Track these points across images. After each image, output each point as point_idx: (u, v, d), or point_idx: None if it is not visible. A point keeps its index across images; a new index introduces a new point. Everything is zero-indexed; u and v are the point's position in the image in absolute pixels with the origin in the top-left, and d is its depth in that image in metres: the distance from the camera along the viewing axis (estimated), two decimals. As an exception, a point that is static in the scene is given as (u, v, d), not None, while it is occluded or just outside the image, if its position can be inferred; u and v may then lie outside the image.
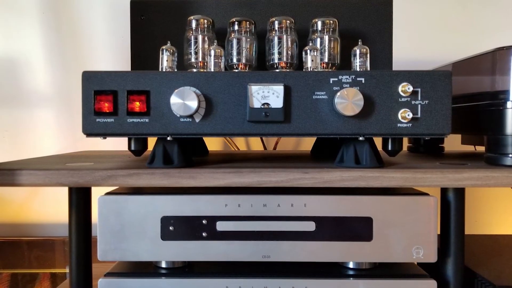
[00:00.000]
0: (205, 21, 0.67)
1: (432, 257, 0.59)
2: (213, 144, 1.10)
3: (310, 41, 0.68)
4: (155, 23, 0.76)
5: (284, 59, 0.65)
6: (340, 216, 0.59)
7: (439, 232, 0.61)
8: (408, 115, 0.55)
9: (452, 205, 0.60)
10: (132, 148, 0.59)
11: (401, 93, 0.55)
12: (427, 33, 1.10)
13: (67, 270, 1.06)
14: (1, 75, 1.09)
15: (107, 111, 0.55)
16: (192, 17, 0.67)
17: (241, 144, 1.11)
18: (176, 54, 0.63)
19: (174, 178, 0.55)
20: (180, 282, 0.60)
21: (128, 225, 0.59)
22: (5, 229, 1.09)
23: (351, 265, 0.64)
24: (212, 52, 0.61)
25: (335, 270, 0.63)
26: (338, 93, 0.54)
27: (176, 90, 0.55)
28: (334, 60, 0.68)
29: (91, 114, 0.55)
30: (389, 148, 0.59)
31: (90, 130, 0.56)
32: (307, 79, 0.56)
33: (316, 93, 0.55)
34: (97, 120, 0.55)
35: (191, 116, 0.55)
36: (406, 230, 0.59)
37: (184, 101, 0.54)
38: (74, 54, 1.09)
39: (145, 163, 0.59)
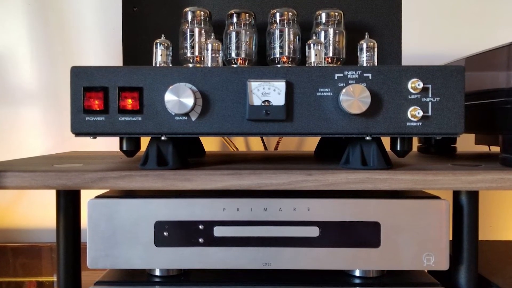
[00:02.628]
0: (202, 13, 0.67)
1: (444, 265, 0.59)
2: (210, 144, 1.10)
3: (314, 35, 0.68)
4: (148, 15, 0.76)
5: (286, 53, 0.65)
6: (346, 221, 0.59)
7: (451, 238, 0.61)
8: (418, 113, 0.55)
9: (465, 209, 0.60)
10: (124, 148, 0.59)
11: (411, 90, 0.55)
12: (439, 26, 1.10)
13: (54, 279, 1.06)
14: (-16, 70, 1.09)
15: (97, 109, 0.55)
16: (188, 9, 0.67)
17: (240, 144, 1.11)
18: (170, 48, 0.63)
19: (169, 181, 0.55)
20: (175, 291, 0.61)
21: (120, 231, 0.59)
22: (-11, 235, 1.09)
23: (357, 273, 0.64)
24: (209, 46, 0.61)
25: (341, 278, 0.63)
26: (344, 90, 0.54)
27: (170, 87, 0.55)
28: (339, 54, 0.68)
29: (80, 112, 0.55)
30: (398, 148, 0.59)
31: (79, 129, 0.56)
32: (310, 75, 0.56)
33: (320, 89, 0.56)
34: (87, 118, 0.55)
35: (186, 114, 0.55)
36: (416, 235, 0.59)
37: (179, 98, 0.54)
38: (62, 48, 1.09)
39: (138, 165, 0.59)
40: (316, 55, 0.61)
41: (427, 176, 0.55)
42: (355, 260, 0.59)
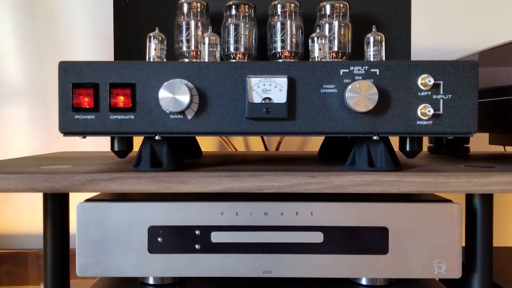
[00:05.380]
0: (199, 4, 0.67)
1: (456, 273, 0.59)
2: (207, 144, 1.10)
3: (318, 27, 0.68)
4: (141, 7, 0.75)
5: (288, 47, 0.65)
6: (352, 226, 0.59)
7: (463, 244, 0.61)
8: (429, 111, 0.55)
9: (479, 213, 0.60)
10: (116, 148, 0.59)
11: (421, 87, 0.55)
12: (450, 18, 1.10)
13: (41, 287, 1.06)
14: (-34, 65, 1.09)
15: (87, 107, 0.55)
16: (183, 0, 0.67)
17: (239, 144, 1.11)
18: (165, 42, 0.63)
19: (163, 183, 0.55)
20: (170, 300, 0.61)
21: (111, 236, 0.59)
22: (-28, 241, 1.09)
23: (364, 282, 0.64)
24: (206, 40, 0.61)
25: (346, 287, 0.63)
26: (349, 87, 0.54)
27: (165, 83, 0.55)
28: (345, 48, 0.68)
29: (69, 110, 0.55)
30: (407, 148, 0.59)
31: (68, 128, 0.55)
32: (314, 71, 0.56)
33: (324, 86, 0.55)
34: (76, 117, 0.55)
35: (182, 112, 0.55)
36: (427, 241, 0.59)
37: (174, 96, 0.54)
38: (50, 42, 1.09)
39: (130, 166, 0.59)
40: (320, 49, 0.61)
41: (438, 178, 0.55)
42: (362, 268, 0.59)
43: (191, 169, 0.59)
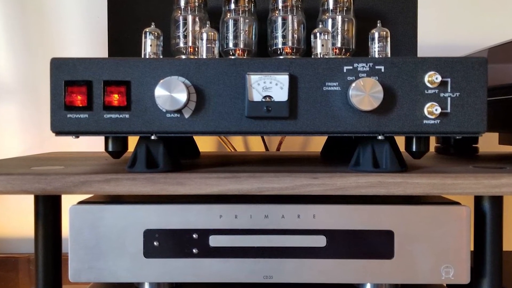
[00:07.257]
0: (196, -2, 0.67)
1: (464, 278, 0.59)
2: (205, 144, 1.10)
3: (320, 23, 0.68)
4: (136, 1, 0.76)
5: (290, 43, 0.65)
6: (356, 229, 0.59)
7: (472, 248, 0.61)
8: (436, 110, 0.55)
9: (488, 216, 0.60)
10: (110, 149, 0.59)
11: (428, 84, 0.55)
12: (459, 13, 1.10)
13: (33, 293, 1.06)
14: (-45, 62, 1.09)
15: (80, 105, 0.55)
16: (180, -6, 0.67)
17: (238, 144, 1.11)
18: (161, 38, 0.63)
19: (159, 185, 0.55)
20: (167, 307, 0.61)
21: (105, 240, 0.59)
22: (-40, 245, 1.09)
23: (368, 287, 0.64)
24: (204, 36, 0.61)
25: (350, 293, 0.63)
26: (353, 84, 0.54)
27: (161, 81, 0.55)
28: (349, 45, 0.68)
29: (61, 108, 0.55)
30: (414, 149, 0.59)
31: (60, 128, 0.55)
32: (316, 68, 0.56)
33: (327, 84, 0.56)
34: (69, 115, 0.55)
35: (179, 111, 0.55)
36: (434, 245, 0.59)
37: (171, 94, 0.54)
38: (41, 37, 1.09)
39: (125, 167, 0.59)
40: (322, 45, 0.61)
41: (445, 180, 0.55)
42: (366, 273, 0.59)
43: (188, 170, 0.59)
